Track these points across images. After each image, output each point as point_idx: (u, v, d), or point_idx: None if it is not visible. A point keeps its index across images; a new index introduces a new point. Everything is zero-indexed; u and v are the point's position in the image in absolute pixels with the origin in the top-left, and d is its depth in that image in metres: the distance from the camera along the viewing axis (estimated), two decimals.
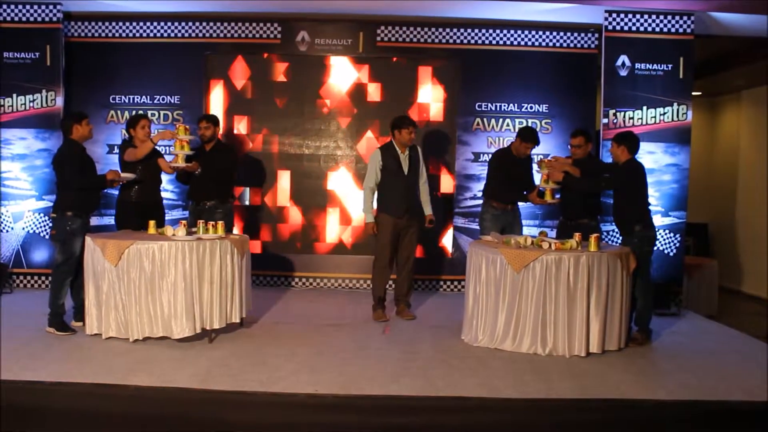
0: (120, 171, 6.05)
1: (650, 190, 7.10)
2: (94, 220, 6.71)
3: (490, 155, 6.95)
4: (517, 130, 6.81)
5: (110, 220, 6.71)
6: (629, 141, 5.82)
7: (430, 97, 8.05)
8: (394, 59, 8.01)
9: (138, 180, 6.06)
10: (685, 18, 7.40)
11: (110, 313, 5.33)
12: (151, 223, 5.69)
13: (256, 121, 8.06)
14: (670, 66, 7.48)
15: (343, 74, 8.05)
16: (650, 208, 5.96)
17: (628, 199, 5.76)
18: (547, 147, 7.75)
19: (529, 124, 7.48)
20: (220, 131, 6.97)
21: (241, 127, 8.06)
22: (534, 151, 6.83)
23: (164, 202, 6.53)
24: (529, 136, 6.42)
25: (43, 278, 7.58)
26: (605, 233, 7.37)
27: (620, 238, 6.09)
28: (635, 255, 5.60)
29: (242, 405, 4.21)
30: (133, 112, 7.58)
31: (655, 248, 6.80)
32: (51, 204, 7.40)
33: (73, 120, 5.74)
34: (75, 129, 5.70)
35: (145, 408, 4.21)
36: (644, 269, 5.74)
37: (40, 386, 4.30)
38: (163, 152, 6.47)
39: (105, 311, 5.34)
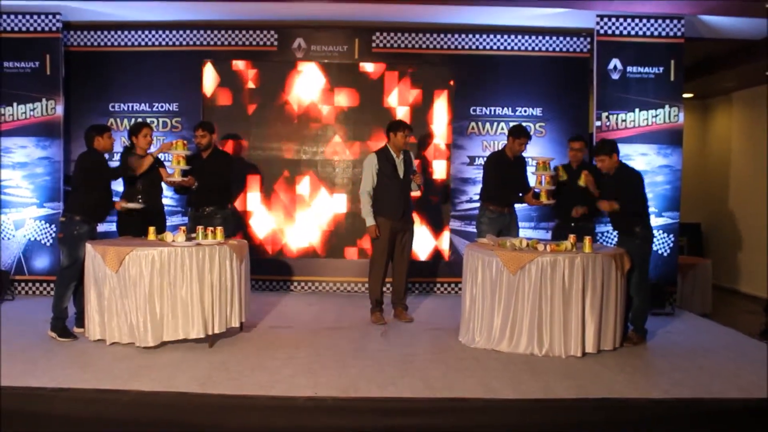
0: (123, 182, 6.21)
1: None
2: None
3: (485, 158, 7.02)
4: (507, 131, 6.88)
5: (111, 227, 6.76)
6: (615, 147, 5.88)
7: (425, 102, 8.11)
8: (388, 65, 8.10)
9: (141, 196, 6.17)
10: (675, 21, 7.49)
11: (112, 319, 5.37)
12: (151, 229, 5.76)
13: (254, 127, 8.12)
14: (661, 69, 7.57)
15: (338, 79, 8.12)
16: (649, 208, 6.00)
17: (629, 202, 5.78)
18: (541, 150, 7.83)
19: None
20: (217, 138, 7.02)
21: (237, 134, 8.13)
22: (530, 153, 6.93)
23: (164, 208, 6.58)
24: (520, 132, 6.53)
25: (44, 285, 7.63)
26: (599, 234, 7.45)
27: (616, 238, 6.12)
28: (630, 256, 5.66)
29: (242, 409, 4.25)
30: (132, 120, 7.68)
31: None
32: (52, 211, 7.50)
33: (95, 132, 5.91)
34: (96, 140, 5.88)
35: (146, 413, 4.24)
36: (643, 269, 5.80)
37: (42, 392, 4.33)
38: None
39: (107, 317, 5.38)
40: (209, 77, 8.07)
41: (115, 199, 6.17)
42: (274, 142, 8.13)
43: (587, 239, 5.52)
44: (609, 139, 6.12)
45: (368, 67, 8.10)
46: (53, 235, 7.53)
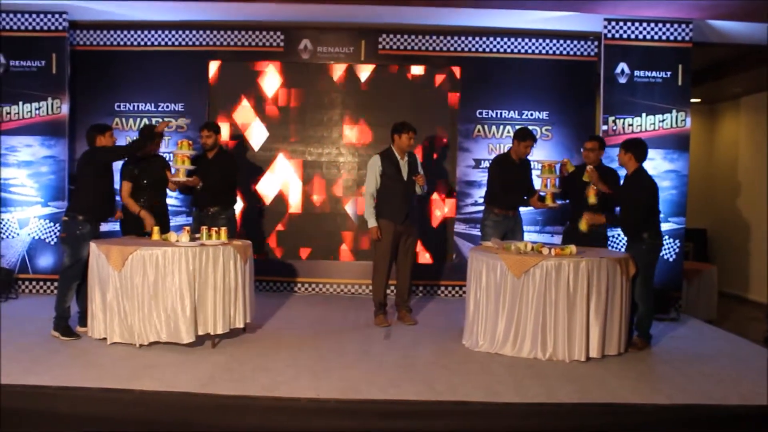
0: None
1: None
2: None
3: (490, 161, 7.00)
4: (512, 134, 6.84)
5: (114, 226, 6.77)
6: (637, 149, 5.80)
7: (432, 104, 8.10)
8: (396, 67, 8.08)
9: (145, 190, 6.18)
10: (683, 26, 7.47)
11: (115, 319, 5.37)
12: (155, 229, 5.76)
13: (261, 127, 8.12)
14: (668, 73, 7.55)
15: (344, 81, 8.12)
16: (660, 216, 5.94)
17: (637, 208, 5.73)
18: (547, 154, 7.81)
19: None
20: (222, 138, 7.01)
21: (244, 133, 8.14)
22: (536, 156, 6.92)
23: (168, 208, 6.58)
24: (525, 135, 6.51)
25: (48, 284, 7.65)
26: (610, 238, 7.42)
27: (626, 243, 6.09)
28: (635, 261, 5.64)
29: (244, 409, 4.25)
30: (138, 120, 7.71)
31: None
32: (56, 210, 7.52)
33: (96, 131, 5.92)
34: (98, 139, 5.90)
35: (149, 412, 4.25)
36: (648, 276, 5.76)
37: (45, 391, 4.34)
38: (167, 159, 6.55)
39: (110, 316, 5.39)
40: (272, 78, 8.11)
41: (118, 198, 6.18)
42: (281, 143, 8.13)
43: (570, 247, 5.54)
44: (638, 140, 5.97)
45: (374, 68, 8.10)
46: (57, 234, 7.54)
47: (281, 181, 8.16)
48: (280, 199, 8.15)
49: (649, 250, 5.76)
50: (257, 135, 8.15)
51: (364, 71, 8.10)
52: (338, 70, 8.10)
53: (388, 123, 6.72)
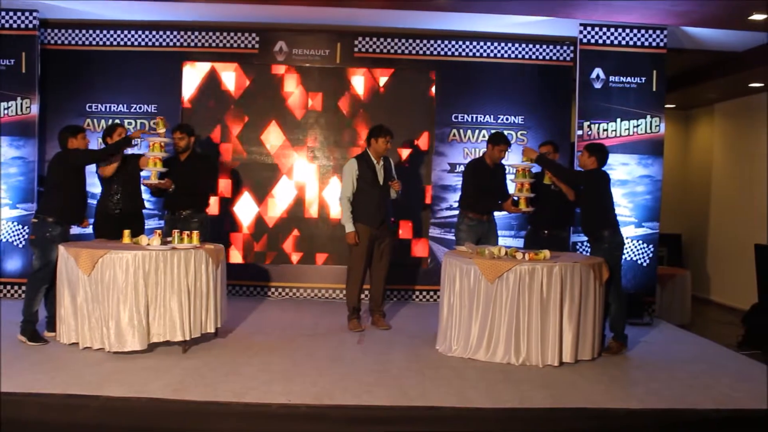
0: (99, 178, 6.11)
1: (623, 201, 7.31)
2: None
3: (465, 166, 6.99)
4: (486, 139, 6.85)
5: (87, 229, 6.66)
6: (601, 153, 5.97)
7: (406, 108, 8.07)
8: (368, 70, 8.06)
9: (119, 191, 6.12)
10: (658, 32, 7.51)
11: (85, 323, 5.27)
12: (126, 232, 5.68)
13: (232, 129, 8.05)
14: (643, 79, 7.59)
15: (321, 84, 8.07)
16: (616, 214, 6.02)
17: (596, 206, 5.88)
18: (522, 158, 7.79)
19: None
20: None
21: (215, 136, 8.05)
22: (511, 161, 6.92)
23: (144, 203, 6.51)
24: (500, 139, 6.51)
25: (16, 288, 7.50)
26: (580, 244, 7.44)
27: (590, 246, 6.13)
28: (606, 261, 5.67)
29: (215, 415, 4.20)
30: (110, 121, 7.58)
31: (626, 257, 6.89)
32: (25, 213, 7.38)
33: (68, 133, 5.85)
34: (70, 141, 5.82)
35: (117, 419, 4.18)
36: (615, 274, 5.81)
37: (11, 397, 4.24)
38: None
39: (80, 321, 5.29)
40: (290, 81, 8.04)
41: (91, 201, 6.09)
42: (253, 145, 8.07)
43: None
44: (602, 145, 6.15)
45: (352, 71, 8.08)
46: (26, 236, 7.40)
47: (297, 186, 8.10)
48: (253, 203, 8.07)
49: (612, 248, 5.83)
50: (274, 139, 8.09)
51: (341, 73, 8.07)
52: (314, 72, 8.05)
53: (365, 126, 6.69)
